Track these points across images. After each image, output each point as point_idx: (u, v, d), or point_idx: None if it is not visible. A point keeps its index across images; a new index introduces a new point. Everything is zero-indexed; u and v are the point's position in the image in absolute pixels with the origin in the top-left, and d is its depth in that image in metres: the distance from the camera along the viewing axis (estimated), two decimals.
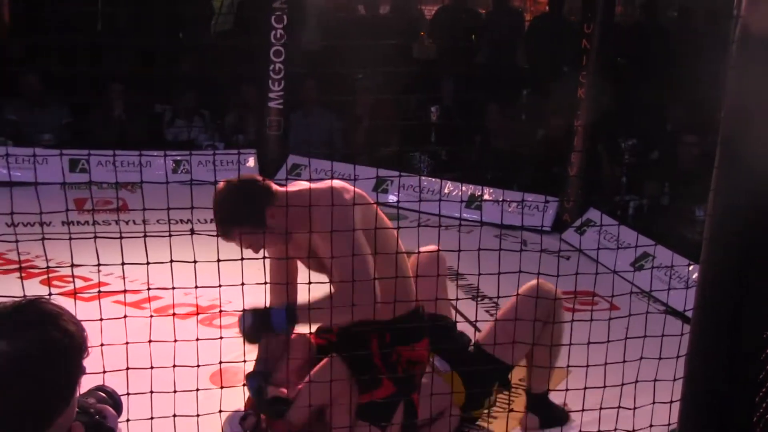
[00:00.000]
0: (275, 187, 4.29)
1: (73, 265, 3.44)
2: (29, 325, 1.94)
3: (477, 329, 5.05)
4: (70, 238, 3.43)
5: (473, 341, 4.80)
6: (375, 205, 4.28)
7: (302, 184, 4.29)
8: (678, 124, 9.66)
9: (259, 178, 4.29)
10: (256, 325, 4.17)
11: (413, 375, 4.34)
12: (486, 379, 4.64)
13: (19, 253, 3.52)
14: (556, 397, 4.75)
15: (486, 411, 4.75)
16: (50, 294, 3.26)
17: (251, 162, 10.14)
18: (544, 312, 4.52)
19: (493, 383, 4.68)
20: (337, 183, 4.18)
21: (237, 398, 4.35)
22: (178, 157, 9.77)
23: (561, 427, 4.76)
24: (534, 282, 4.50)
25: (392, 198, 8.96)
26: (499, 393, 4.77)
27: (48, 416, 1.97)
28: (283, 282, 4.36)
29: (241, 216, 4.18)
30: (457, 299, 4.59)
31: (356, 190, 4.19)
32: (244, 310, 4.17)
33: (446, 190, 9.00)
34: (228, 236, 4.21)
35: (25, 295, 2.46)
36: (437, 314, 4.67)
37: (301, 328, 4.29)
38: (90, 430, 2.14)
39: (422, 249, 4.69)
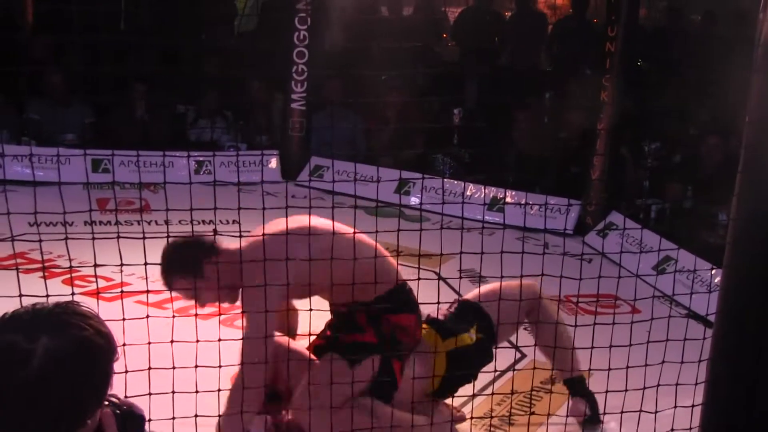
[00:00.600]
0: (226, 244, 4.32)
1: (95, 265, 3.45)
2: (68, 325, 1.96)
3: (459, 293, 4.96)
4: (93, 238, 3.44)
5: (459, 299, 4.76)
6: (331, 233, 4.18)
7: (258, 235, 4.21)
8: (701, 127, 9.62)
9: (210, 235, 4.32)
10: None
11: (399, 341, 4.33)
12: (465, 321, 4.57)
13: (42, 253, 3.53)
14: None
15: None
16: (73, 293, 3.29)
17: (273, 163, 10.11)
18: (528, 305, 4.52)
19: (471, 324, 4.57)
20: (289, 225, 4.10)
21: None
22: (201, 158, 9.74)
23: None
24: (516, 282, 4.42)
25: (415, 200, 8.97)
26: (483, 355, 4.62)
27: (83, 415, 1.99)
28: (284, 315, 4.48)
29: (177, 265, 4.24)
30: (479, 301, 4.57)
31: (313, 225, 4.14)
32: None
33: (468, 193, 8.98)
34: (168, 285, 4.28)
35: (48, 295, 2.47)
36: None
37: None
38: (119, 418, 2.16)
39: None
